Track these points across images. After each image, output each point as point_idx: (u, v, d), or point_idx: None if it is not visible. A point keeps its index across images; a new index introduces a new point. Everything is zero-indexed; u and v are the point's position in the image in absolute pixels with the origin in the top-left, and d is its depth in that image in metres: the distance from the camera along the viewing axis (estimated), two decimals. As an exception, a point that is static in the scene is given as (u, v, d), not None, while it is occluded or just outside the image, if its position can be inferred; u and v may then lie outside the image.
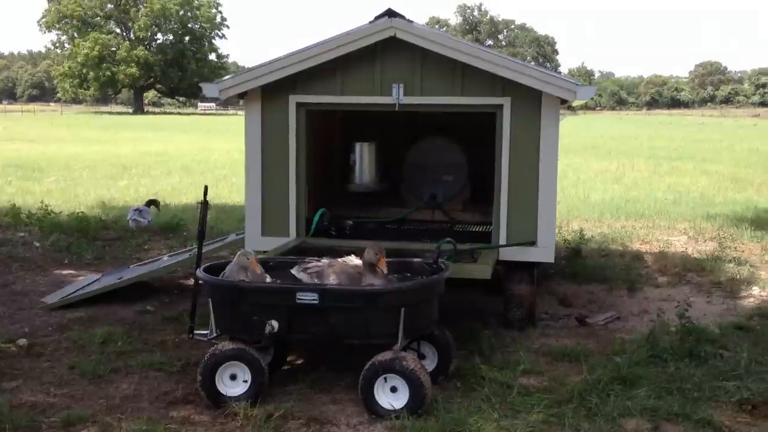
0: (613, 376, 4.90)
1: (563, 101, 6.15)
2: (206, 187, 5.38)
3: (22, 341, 5.79)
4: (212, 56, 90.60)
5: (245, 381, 4.60)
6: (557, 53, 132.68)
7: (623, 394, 4.68)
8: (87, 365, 5.27)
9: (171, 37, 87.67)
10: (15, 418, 4.37)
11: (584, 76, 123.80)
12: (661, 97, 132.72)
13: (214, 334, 4.82)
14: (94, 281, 7.52)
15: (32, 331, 6.10)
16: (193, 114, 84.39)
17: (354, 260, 4.92)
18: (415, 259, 5.17)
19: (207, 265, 4.98)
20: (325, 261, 4.95)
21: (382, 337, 4.53)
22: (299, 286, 4.61)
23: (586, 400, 4.60)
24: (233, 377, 4.62)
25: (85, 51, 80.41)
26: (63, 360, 5.45)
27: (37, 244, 9.60)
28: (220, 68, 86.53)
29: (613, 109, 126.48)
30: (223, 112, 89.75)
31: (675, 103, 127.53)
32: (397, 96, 6.19)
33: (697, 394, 4.74)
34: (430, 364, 4.94)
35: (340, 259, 4.94)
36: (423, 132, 7.86)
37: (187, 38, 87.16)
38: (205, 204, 5.25)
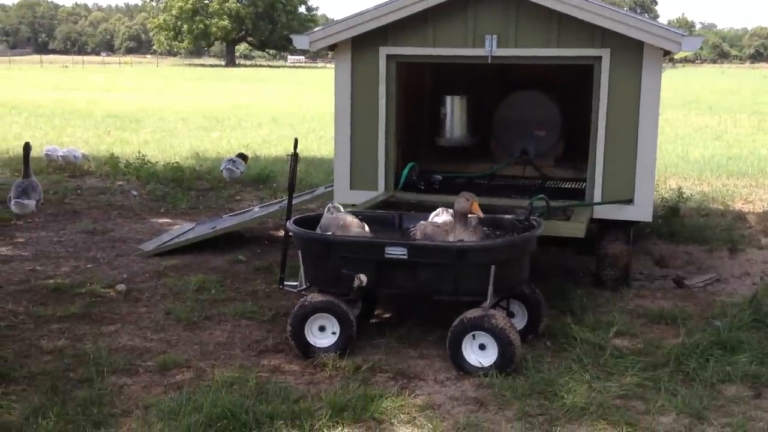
0: (713, 340, 4.70)
1: (666, 53, 5.85)
2: (296, 140, 5.39)
3: (121, 287, 6.00)
4: (302, 9, 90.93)
5: (334, 333, 4.63)
6: (656, 3, 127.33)
7: (723, 360, 4.49)
8: (182, 311, 5.43)
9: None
10: (114, 360, 4.54)
11: (684, 27, 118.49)
12: (767, 50, 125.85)
13: (304, 286, 4.86)
14: (189, 230, 7.71)
15: (130, 277, 6.32)
16: (282, 67, 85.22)
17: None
18: (507, 216, 5.06)
19: (297, 218, 5.01)
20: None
21: (471, 294, 4.47)
22: (388, 241, 4.58)
23: (684, 365, 4.44)
24: (322, 329, 4.65)
25: (180, 4, 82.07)
26: (159, 306, 5.62)
27: (135, 193, 9.92)
28: (309, 21, 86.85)
29: (714, 62, 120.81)
30: (312, 64, 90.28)
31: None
32: (491, 48, 6.02)
33: (802, 362, 4.51)
34: (520, 322, 4.86)
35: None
36: (514, 85, 7.65)
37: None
38: (295, 156, 5.26)
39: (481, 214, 4.63)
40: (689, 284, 6.23)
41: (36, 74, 53.02)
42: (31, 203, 8.05)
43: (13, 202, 8.00)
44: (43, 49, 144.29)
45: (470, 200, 4.59)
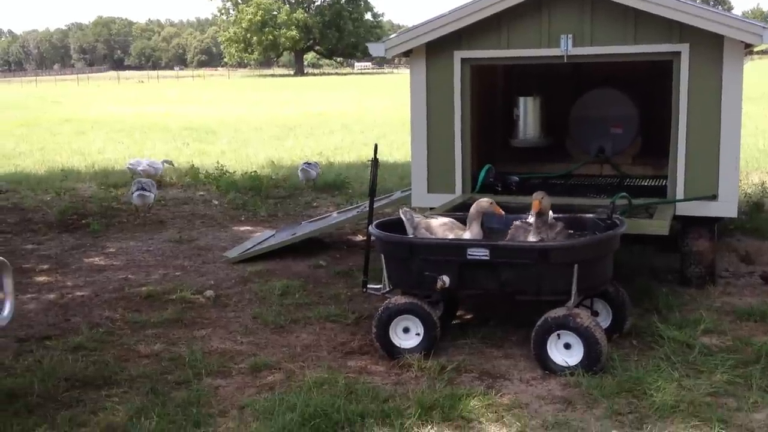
0: (805, 337, 4.61)
1: (747, 45, 5.74)
2: (376, 146, 5.50)
3: (209, 293, 6.21)
4: (368, 16, 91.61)
5: (418, 334, 4.71)
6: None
7: (817, 357, 4.39)
8: (269, 315, 5.59)
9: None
10: (208, 363, 4.71)
11: (760, 18, 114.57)
12: None
13: (387, 289, 4.95)
14: (270, 237, 7.91)
15: (217, 283, 6.53)
16: (350, 74, 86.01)
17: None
18: (589, 215, 5.05)
19: (378, 222, 5.11)
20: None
21: (554, 294, 4.49)
22: (470, 242, 4.63)
23: (775, 362, 4.37)
24: (406, 330, 4.74)
25: (249, 16, 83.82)
26: (247, 310, 5.80)
27: (216, 202, 10.22)
28: (375, 27, 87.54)
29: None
30: (379, 70, 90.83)
31: None
32: (566, 47, 6.01)
33: None
34: (604, 321, 4.84)
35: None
36: (587, 83, 7.59)
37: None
38: (375, 162, 5.36)
39: (533, 216, 4.60)
40: (778, 281, 6.09)
41: (114, 90, 54.87)
42: (150, 195, 9.20)
43: (135, 194, 9.11)
44: (119, 65, 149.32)
45: (536, 198, 4.57)
